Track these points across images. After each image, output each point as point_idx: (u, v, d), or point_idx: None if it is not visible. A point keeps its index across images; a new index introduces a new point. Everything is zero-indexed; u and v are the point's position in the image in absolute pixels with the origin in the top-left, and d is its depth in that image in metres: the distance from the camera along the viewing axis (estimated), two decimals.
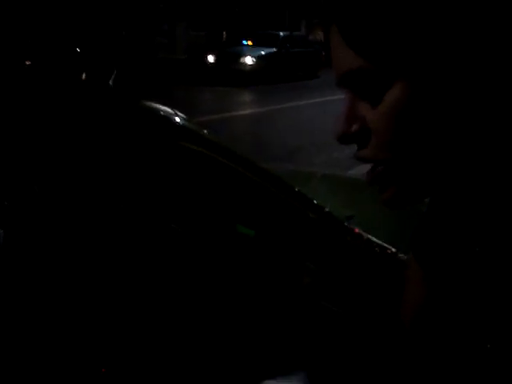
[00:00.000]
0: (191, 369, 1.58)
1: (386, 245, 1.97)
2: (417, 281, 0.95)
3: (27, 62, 1.81)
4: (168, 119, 1.75)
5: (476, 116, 0.67)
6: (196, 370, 1.58)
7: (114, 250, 1.62)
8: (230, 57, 17.81)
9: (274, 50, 18.15)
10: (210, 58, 18.77)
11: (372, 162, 0.73)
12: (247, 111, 12.14)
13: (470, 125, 0.67)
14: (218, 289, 1.69)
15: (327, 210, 1.94)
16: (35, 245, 1.56)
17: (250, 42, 18.97)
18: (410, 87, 0.66)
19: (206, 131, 1.82)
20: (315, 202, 1.98)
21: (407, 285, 1.02)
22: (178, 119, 1.77)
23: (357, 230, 1.99)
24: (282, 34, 19.12)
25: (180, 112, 1.89)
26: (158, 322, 1.58)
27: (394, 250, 1.95)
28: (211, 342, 1.61)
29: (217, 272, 1.71)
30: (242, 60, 17.53)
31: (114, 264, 1.60)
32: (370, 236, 2.00)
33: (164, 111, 1.77)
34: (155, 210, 1.67)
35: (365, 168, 0.77)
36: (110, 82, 1.71)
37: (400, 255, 1.89)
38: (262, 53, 17.74)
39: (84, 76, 1.77)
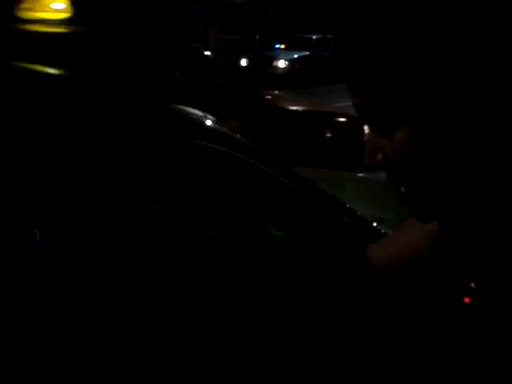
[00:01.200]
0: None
1: None
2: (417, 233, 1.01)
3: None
4: (198, 121, 1.77)
5: (475, 152, 0.73)
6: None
7: (145, 250, 1.64)
8: (262, 60, 17.84)
9: (307, 53, 18.13)
10: (243, 62, 18.82)
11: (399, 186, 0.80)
12: None
13: (473, 160, 0.74)
14: (248, 290, 1.69)
15: (359, 213, 1.94)
16: (70, 245, 1.59)
17: (282, 46, 18.99)
18: (414, 131, 0.73)
19: (237, 135, 1.84)
20: (347, 205, 1.97)
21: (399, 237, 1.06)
22: (208, 122, 1.79)
23: (386, 231, 1.98)
24: (314, 37, 19.08)
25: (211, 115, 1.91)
26: (190, 321, 1.59)
27: None
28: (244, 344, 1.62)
29: (248, 273, 1.72)
30: (274, 63, 17.55)
31: (145, 264, 1.62)
32: None
33: (196, 114, 1.79)
34: (187, 211, 1.69)
35: None
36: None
37: None
38: (295, 56, 17.74)
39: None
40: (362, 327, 1.44)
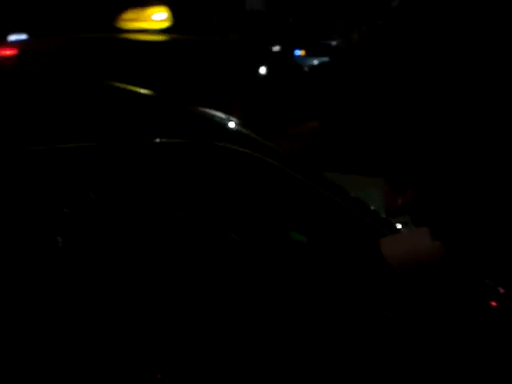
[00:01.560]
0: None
1: None
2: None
3: None
4: (221, 123, 1.76)
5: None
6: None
7: (168, 256, 1.63)
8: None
9: (327, 59, 18.12)
10: (262, 70, 18.82)
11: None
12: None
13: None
14: (271, 294, 1.68)
15: (383, 216, 1.92)
16: (93, 250, 1.59)
17: (302, 52, 18.99)
18: (419, 190, 0.84)
19: (259, 137, 1.82)
20: (372, 207, 1.95)
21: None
22: (231, 124, 1.78)
23: None
24: (333, 43, 19.05)
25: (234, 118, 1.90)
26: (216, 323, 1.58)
27: None
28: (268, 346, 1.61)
29: (269, 278, 1.70)
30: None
31: (171, 271, 1.61)
32: None
33: (218, 116, 1.78)
34: (209, 216, 1.68)
35: None
36: None
37: None
38: (315, 62, 17.73)
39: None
40: (380, 329, 1.43)
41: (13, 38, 11.29)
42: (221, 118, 1.81)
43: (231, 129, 1.81)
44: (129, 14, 6.97)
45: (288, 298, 1.69)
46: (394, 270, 1.53)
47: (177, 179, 1.66)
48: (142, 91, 1.92)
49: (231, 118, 1.81)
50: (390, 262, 1.10)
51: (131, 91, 1.93)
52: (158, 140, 1.61)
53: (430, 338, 1.50)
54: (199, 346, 1.55)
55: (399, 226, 1.95)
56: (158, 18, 6.82)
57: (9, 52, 5.87)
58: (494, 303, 1.29)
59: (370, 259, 1.74)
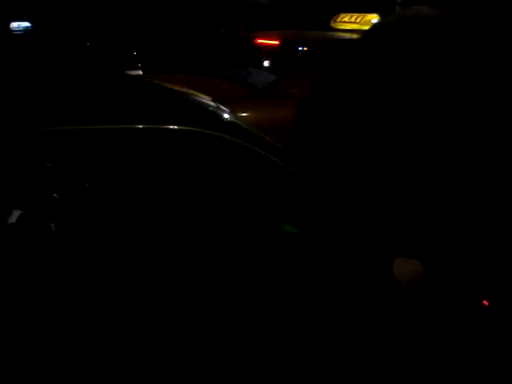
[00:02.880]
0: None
1: None
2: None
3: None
4: (211, 112, 1.75)
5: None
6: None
7: (159, 244, 1.63)
8: None
9: None
10: (266, 63, 18.77)
11: None
12: None
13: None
14: (263, 285, 1.68)
15: None
16: (85, 237, 1.59)
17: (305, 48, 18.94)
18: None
19: (249, 126, 1.82)
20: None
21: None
22: (221, 113, 1.77)
23: None
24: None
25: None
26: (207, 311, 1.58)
27: None
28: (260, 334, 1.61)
29: (261, 269, 1.70)
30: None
31: (163, 258, 1.61)
32: None
33: (209, 104, 1.77)
34: (200, 204, 1.68)
35: None
36: None
37: None
38: None
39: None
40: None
41: (15, 24, 11.26)
42: (212, 107, 1.80)
43: (221, 117, 1.80)
44: (345, 17, 7.87)
45: (279, 287, 1.69)
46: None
47: (167, 166, 1.66)
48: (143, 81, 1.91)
49: (222, 107, 1.81)
50: (399, 280, 1.11)
51: (134, 80, 1.93)
52: (150, 126, 1.60)
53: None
54: (186, 329, 1.55)
55: None
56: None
57: (273, 42, 6.99)
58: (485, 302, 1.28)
59: (360, 251, 1.74)
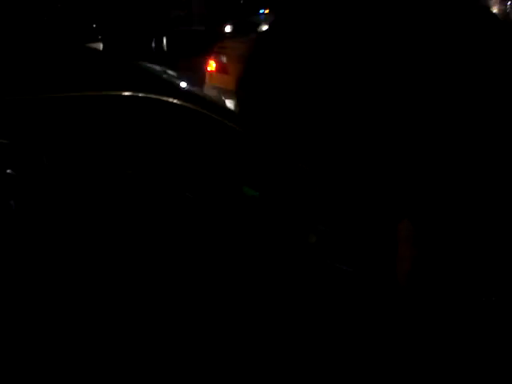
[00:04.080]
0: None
1: None
2: (409, 240, 0.98)
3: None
4: (160, 76, 1.74)
5: None
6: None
7: (124, 217, 1.63)
8: (247, 26, 17.59)
9: None
10: (228, 28, 18.57)
11: None
12: None
13: None
14: (226, 251, 1.69)
15: None
16: (45, 215, 1.58)
17: (267, 11, 18.72)
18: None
19: (201, 92, 1.81)
20: None
21: (400, 245, 1.04)
22: (173, 78, 1.76)
23: None
24: None
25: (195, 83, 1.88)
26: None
27: None
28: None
29: (226, 233, 1.71)
30: (259, 29, 17.30)
31: (128, 227, 1.61)
32: None
33: (156, 69, 1.76)
34: (161, 174, 1.67)
35: None
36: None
37: None
38: None
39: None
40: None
41: None
42: (163, 73, 1.78)
43: (173, 83, 1.79)
44: None
45: (244, 253, 1.70)
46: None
47: (123, 134, 1.65)
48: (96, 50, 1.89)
49: (173, 73, 1.79)
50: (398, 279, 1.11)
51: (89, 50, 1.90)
52: (103, 93, 1.59)
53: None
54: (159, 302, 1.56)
55: None
56: None
57: None
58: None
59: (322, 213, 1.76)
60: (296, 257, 1.71)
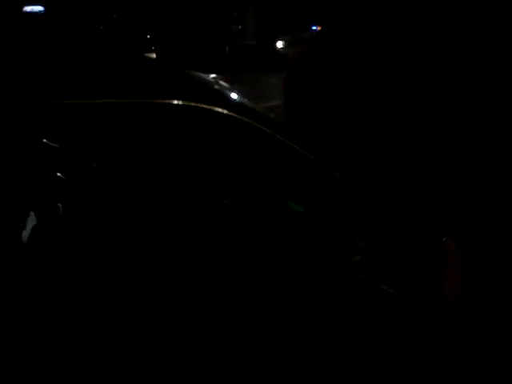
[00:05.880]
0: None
1: None
2: (456, 265, 0.96)
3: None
4: (212, 86, 1.74)
5: None
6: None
7: (168, 224, 1.64)
8: (299, 42, 17.64)
9: None
10: (279, 44, 18.69)
11: None
12: None
13: None
14: (269, 265, 1.68)
15: None
16: (92, 218, 1.59)
17: (319, 28, 18.77)
18: None
19: (251, 103, 1.80)
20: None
21: (448, 269, 1.02)
22: (227, 90, 1.76)
23: None
24: None
25: (246, 97, 1.87)
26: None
27: None
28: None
29: (270, 248, 1.70)
30: None
31: (170, 237, 1.62)
32: None
33: (213, 81, 1.76)
34: (205, 185, 1.67)
35: None
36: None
37: None
38: None
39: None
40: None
41: (28, 9, 11.30)
42: (216, 83, 1.79)
43: (225, 94, 1.79)
44: None
45: (287, 266, 1.69)
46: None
47: (171, 142, 1.65)
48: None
49: (223, 83, 1.80)
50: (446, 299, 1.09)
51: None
52: (155, 100, 1.60)
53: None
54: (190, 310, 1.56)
55: None
56: None
57: None
58: None
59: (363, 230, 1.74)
60: (339, 275, 1.69)
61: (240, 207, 1.72)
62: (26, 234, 1.52)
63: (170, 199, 1.66)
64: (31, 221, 1.55)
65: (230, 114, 1.65)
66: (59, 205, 1.62)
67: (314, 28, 18.70)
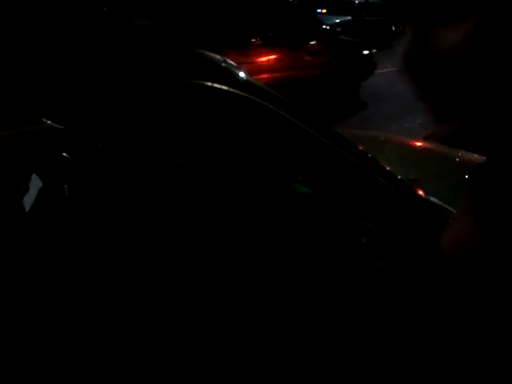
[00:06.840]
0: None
1: (449, 208, 1.91)
2: (467, 218, 0.92)
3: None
4: (221, 66, 1.72)
5: None
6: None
7: (173, 205, 1.63)
8: None
9: (349, 18, 17.71)
10: None
11: None
12: None
13: None
14: (275, 246, 1.68)
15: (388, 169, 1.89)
16: (97, 199, 1.58)
17: (324, 10, 18.60)
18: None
19: (261, 83, 1.78)
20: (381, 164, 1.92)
21: (455, 222, 0.98)
22: (233, 68, 1.74)
23: (421, 192, 1.92)
24: (357, 1, 18.64)
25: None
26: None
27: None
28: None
29: (275, 229, 1.69)
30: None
31: (174, 219, 1.61)
32: (433, 198, 1.94)
33: (219, 59, 1.74)
34: (210, 165, 1.66)
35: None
36: None
37: None
38: (337, 21, 17.35)
39: None
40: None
41: None
42: (221, 61, 1.76)
43: (233, 73, 1.76)
44: None
45: (292, 249, 1.68)
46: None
47: (180, 122, 1.64)
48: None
49: (232, 62, 1.77)
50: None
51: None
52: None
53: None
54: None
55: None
56: None
57: None
58: None
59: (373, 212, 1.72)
60: (345, 257, 1.68)
61: (246, 188, 1.71)
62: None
63: (176, 180, 1.65)
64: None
65: (237, 92, 1.62)
66: (65, 186, 1.61)
67: (318, 11, 18.55)
